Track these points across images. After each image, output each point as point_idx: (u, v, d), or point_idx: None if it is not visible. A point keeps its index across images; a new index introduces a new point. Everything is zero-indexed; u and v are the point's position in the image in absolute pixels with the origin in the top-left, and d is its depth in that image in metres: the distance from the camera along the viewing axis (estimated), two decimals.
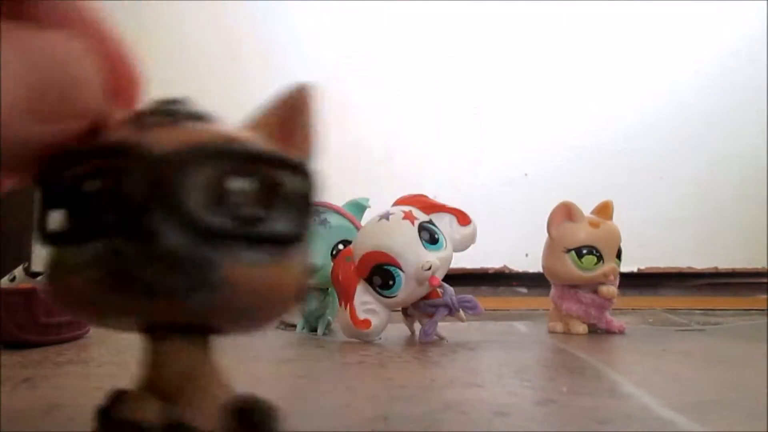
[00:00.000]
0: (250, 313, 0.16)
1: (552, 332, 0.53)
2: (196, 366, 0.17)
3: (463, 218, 0.49)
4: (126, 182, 0.14)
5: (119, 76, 0.17)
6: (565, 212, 0.52)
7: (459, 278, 0.75)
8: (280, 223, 0.16)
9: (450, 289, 0.47)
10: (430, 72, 0.92)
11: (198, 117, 0.16)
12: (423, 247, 0.46)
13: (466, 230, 0.49)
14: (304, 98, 0.18)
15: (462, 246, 0.49)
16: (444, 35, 0.92)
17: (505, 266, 0.89)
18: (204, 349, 0.17)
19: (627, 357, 0.43)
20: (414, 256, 0.45)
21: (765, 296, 0.83)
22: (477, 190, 0.88)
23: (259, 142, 0.16)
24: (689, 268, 0.88)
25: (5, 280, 0.55)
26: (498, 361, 0.39)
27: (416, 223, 0.47)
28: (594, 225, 0.51)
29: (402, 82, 0.92)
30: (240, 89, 0.75)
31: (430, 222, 0.48)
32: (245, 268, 0.15)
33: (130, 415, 0.16)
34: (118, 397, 0.17)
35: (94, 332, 0.52)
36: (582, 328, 0.51)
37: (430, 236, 0.47)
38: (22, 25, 0.16)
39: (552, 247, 0.52)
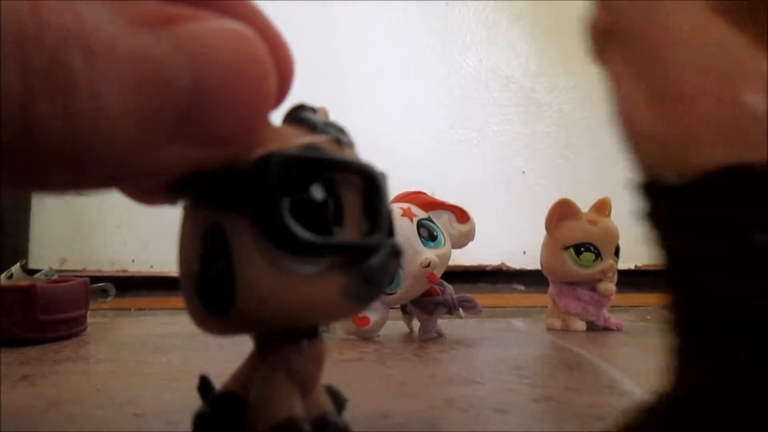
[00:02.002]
0: None
1: (550, 329, 0.53)
2: (324, 359, 0.18)
3: (461, 215, 0.49)
4: (378, 200, 0.16)
5: (278, 71, 0.14)
6: (564, 209, 0.52)
7: (457, 275, 0.75)
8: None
9: (449, 287, 0.47)
10: (430, 70, 0.92)
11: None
12: (422, 244, 0.46)
13: (464, 227, 0.49)
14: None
15: (460, 243, 0.49)
16: (443, 33, 0.92)
17: (503, 263, 0.89)
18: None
19: (625, 354, 0.43)
20: (413, 253, 0.45)
21: None
22: (475, 188, 0.88)
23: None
24: None
25: (3, 277, 0.55)
26: (497, 358, 0.39)
27: (415, 220, 0.47)
28: (592, 222, 0.51)
29: (400, 79, 0.92)
30: None
31: (429, 219, 0.48)
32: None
33: (291, 413, 0.16)
34: (233, 402, 0.17)
35: (92, 329, 0.52)
36: (580, 325, 0.52)
37: (428, 233, 0.47)
38: (176, 8, 0.12)
39: (550, 245, 0.52)
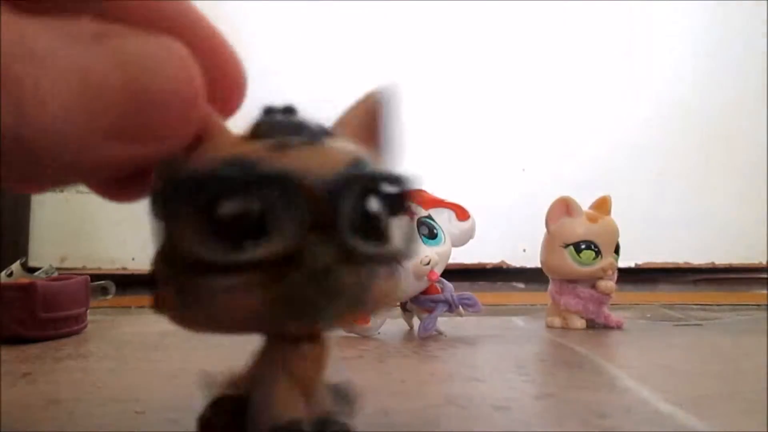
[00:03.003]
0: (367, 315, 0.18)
1: (550, 327, 0.53)
2: (326, 360, 0.18)
3: (461, 213, 0.49)
4: (286, 211, 0.15)
5: (224, 78, 0.16)
6: (564, 207, 0.52)
7: (457, 273, 0.75)
8: (395, 240, 0.17)
9: (449, 285, 0.47)
10: (429, 68, 0.91)
11: (325, 132, 0.16)
12: (422, 242, 0.46)
13: (464, 225, 0.49)
14: (378, 105, 0.19)
15: (461, 241, 0.49)
16: (442, 32, 0.92)
17: (503, 261, 0.89)
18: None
19: (625, 351, 0.43)
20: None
21: (763, 291, 0.83)
22: (475, 185, 0.88)
23: (373, 158, 0.17)
24: (687, 263, 0.88)
25: (3, 275, 0.55)
26: (497, 355, 0.39)
27: (415, 217, 0.47)
28: (592, 220, 0.51)
29: (399, 77, 0.91)
30: None
31: (429, 217, 0.48)
32: (380, 284, 0.16)
33: (292, 414, 0.16)
34: (235, 404, 0.18)
35: (93, 327, 0.52)
36: (580, 323, 0.52)
37: (428, 231, 0.47)
38: (109, 26, 0.14)
39: (550, 242, 0.52)
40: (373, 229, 0.16)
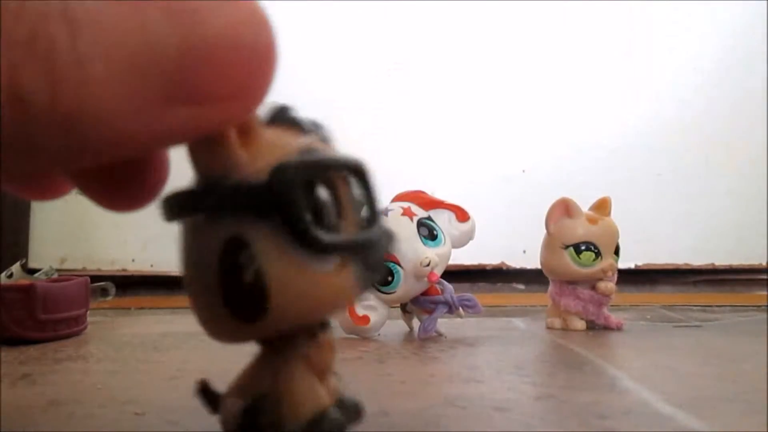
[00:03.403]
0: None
1: (550, 328, 0.53)
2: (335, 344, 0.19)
3: (461, 214, 0.49)
4: (372, 191, 0.17)
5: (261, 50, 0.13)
6: (563, 208, 0.52)
7: (457, 274, 0.75)
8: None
9: (449, 286, 0.47)
10: (429, 69, 0.92)
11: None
12: (422, 243, 0.46)
13: (464, 226, 0.49)
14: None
15: (461, 242, 0.49)
16: (442, 33, 0.92)
17: (503, 262, 0.89)
18: None
19: (625, 353, 0.43)
20: (413, 252, 0.45)
21: (763, 292, 0.83)
22: (475, 187, 0.88)
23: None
24: (687, 264, 0.88)
25: (3, 276, 0.55)
26: (497, 356, 0.39)
27: (415, 219, 0.47)
28: (592, 221, 0.51)
29: (399, 78, 0.91)
30: None
31: (429, 218, 0.48)
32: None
33: (327, 406, 0.17)
34: (265, 402, 0.18)
35: (92, 328, 0.52)
36: (580, 325, 0.52)
37: (428, 232, 0.47)
38: None
39: (550, 243, 0.52)
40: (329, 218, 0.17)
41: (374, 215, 0.17)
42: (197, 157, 0.15)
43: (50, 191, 0.18)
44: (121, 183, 0.16)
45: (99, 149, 0.12)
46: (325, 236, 0.15)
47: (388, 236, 0.17)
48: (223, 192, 0.15)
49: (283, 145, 0.16)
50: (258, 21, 0.13)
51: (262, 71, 0.13)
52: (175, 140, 0.13)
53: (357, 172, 0.17)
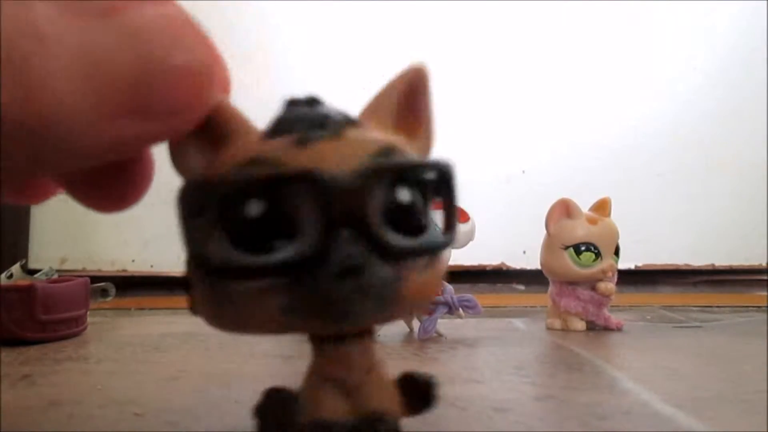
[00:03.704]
0: (404, 313, 0.17)
1: (550, 329, 0.53)
2: (373, 360, 0.18)
3: (461, 215, 0.49)
4: (310, 210, 0.14)
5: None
6: (563, 209, 0.52)
7: (457, 275, 0.75)
8: (435, 232, 0.16)
9: (449, 287, 0.47)
10: (429, 69, 0.92)
11: (348, 121, 0.16)
12: None
13: (464, 227, 0.49)
14: (421, 79, 0.18)
15: (460, 243, 0.49)
16: (443, 33, 0.92)
17: (503, 263, 0.89)
18: (373, 343, 0.18)
19: (625, 353, 0.43)
20: None
21: (762, 293, 0.83)
22: (475, 187, 0.88)
23: (407, 147, 0.17)
24: (687, 265, 0.88)
25: (3, 277, 0.55)
26: (497, 357, 0.39)
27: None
28: (592, 222, 0.51)
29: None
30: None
31: None
32: (417, 279, 0.15)
33: (326, 415, 0.17)
34: (283, 398, 0.18)
35: (93, 329, 0.52)
36: (580, 325, 0.52)
37: None
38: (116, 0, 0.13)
39: (550, 244, 0.52)
40: (408, 220, 0.15)
41: (322, 237, 0.14)
42: (172, 160, 0.16)
43: (35, 196, 0.18)
44: (106, 184, 0.17)
45: (61, 159, 0.13)
46: (233, 256, 0.14)
47: (347, 269, 0.14)
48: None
49: (238, 154, 0.15)
50: (202, 41, 0.14)
51: (204, 89, 0.14)
52: (128, 150, 0.15)
53: (316, 184, 0.14)
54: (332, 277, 0.14)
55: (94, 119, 0.13)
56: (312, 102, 0.16)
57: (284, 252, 0.14)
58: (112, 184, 0.17)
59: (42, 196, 0.19)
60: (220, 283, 0.15)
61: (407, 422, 0.18)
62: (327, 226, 0.14)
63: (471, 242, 0.50)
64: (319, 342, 0.17)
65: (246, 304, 0.15)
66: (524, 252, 0.84)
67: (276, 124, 0.16)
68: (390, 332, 0.49)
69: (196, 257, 0.15)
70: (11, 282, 0.54)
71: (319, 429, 0.17)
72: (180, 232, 0.15)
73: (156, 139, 0.15)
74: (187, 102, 0.14)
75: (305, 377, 0.18)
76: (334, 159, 0.14)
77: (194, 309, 0.16)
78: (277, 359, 0.39)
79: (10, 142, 0.12)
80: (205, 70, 0.14)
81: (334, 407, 0.17)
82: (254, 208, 0.14)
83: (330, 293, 0.14)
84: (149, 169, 0.18)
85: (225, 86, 0.16)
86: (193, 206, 0.15)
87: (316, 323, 0.15)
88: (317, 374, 0.17)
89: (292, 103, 0.16)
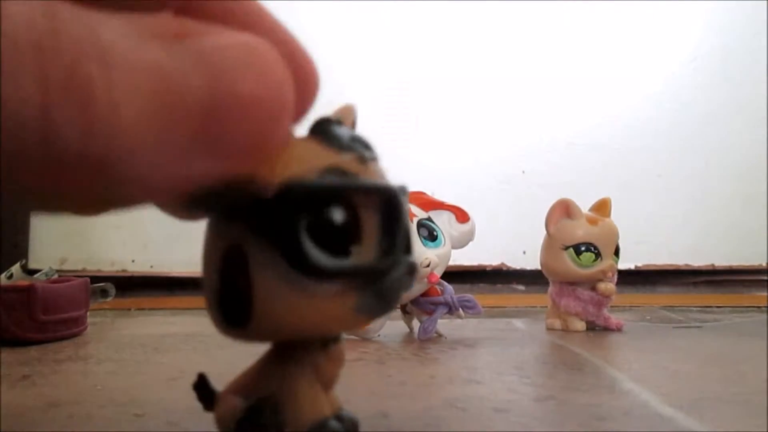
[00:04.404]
0: None
1: (550, 329, 0.53)
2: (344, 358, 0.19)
3: (461, 215, 0.49)
4: (396, 220, 0.16)
5: (299, 84, 0.14)
6: (564, 209, 0.52)
7: (457, 275, 0.75)
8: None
9: (449, 287, 0.47)
10: (429, 71, 0.92)
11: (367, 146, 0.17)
12: (422, 244, 0.46)
13: (464, 227, 0.49)
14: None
15: (460, 243, 0.49)
16: (443, 34, 0.92)
17: (503, 263, 0.89)
18: None
19: (625, 354, 0.43)
20: None
21: (762, 293, 0.83)
22: (475, 188, 0.88)
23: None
24: (687, 265, 0.88)
25: (3, 277, 0.55)
26: (497, 358, 0.39)
27: (415, 220, 0.47)
28: (592, 222, 0.51)
29: (399, 79, 0.92)
30: None
31: (429, 219, 0.48)
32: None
33: (327, 414, 0.17)
34: (270, 406, 0.18)
35: (93, 329, 0.52)
36: (580, 326, 0.52)
37: (428, 233, 0.47)
38: (190, 23, 0.12)
39: (550, 244, 0.52)
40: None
41: (396, 243, 0.16)
42: None
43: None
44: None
45: (121, 195, 0.12)
46: (324, 260, 0.15)
47: (411, 268, 0.17)
48: (230, 197, 0.15)
49: (309, 161, 0.15)
50: (281, 80, 0.13)
51: (278, 129, 0.13)
52: (190, 189, 0.13)
53: (386, 198, 0.16)
54: (398, 278, 0.16)
55: (162, 155, 0.11)
56: (335, 123, 0.17)
57: (361, 256, 0.15)
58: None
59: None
60: (301, 283, 0.15)
61: (407, 422, 0.18)
62: (396, 234, 0.16)
63: (471, 242, 0.50)
64: (322, 343, 0.18)
65: (327, 304, 0.15)
66: (524, 252, 0.84)
67: (335, 139, 0.16)
68: (390, 333, 0.49)
69: (293, 257, 0.15)
70: (11, 282, 0.54)
71: (327, 429, 0.17)
72: (272, 231, 0.15)
73: (225, 176, 0.13)
74: (260, 142, 0.13)
75: (288, 382, 0.17)
76: (382, 178, 0.17)
77: (245, 313, 0.16)
78: None
79: (68, 176, 0.11)
80: (281, 109, 0.13)
81: (328, 406, 0.18)
82: (338, 214, 0.15)
83: (394, 292, 0.16)
84: None
85: (301, 114, 0.16)
86: (291, 206, 0.15)
87: (375, 318, 0.17)
88: (309, 376, 0.17)
89: (328, 122, 0.17)
